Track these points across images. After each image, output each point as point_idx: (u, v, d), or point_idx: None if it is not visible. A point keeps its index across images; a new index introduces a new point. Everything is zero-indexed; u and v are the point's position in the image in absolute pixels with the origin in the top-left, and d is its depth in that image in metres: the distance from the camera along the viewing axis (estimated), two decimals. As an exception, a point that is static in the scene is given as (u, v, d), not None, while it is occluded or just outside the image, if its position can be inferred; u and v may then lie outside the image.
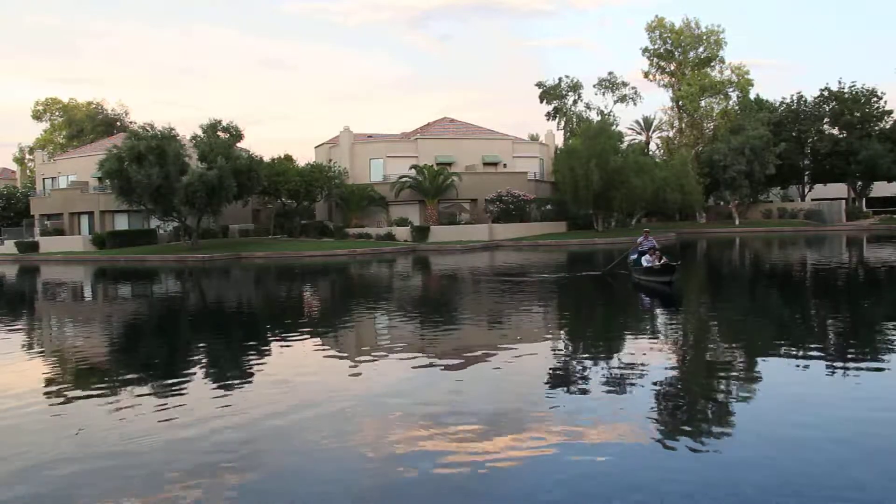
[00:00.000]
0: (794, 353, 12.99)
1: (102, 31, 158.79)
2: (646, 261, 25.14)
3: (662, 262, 23.97)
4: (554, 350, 14.28)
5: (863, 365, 11.69)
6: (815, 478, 6.84)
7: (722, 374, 11.41)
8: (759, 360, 12.43)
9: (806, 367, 11.62)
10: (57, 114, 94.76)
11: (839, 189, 77.54)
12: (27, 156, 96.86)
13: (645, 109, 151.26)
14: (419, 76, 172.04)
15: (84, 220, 62.74)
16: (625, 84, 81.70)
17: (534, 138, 78.54)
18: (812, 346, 13.70)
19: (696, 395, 10.35)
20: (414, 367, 12.35)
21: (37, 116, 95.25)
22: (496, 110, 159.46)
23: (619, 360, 12.71)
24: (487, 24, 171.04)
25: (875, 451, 7.50)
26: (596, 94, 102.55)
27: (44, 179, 70.69)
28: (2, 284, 38.47)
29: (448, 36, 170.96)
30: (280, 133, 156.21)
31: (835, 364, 11.76)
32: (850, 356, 12.44)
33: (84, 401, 10.61)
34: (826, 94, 73.32)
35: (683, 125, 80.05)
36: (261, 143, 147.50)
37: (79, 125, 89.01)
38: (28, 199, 70.65)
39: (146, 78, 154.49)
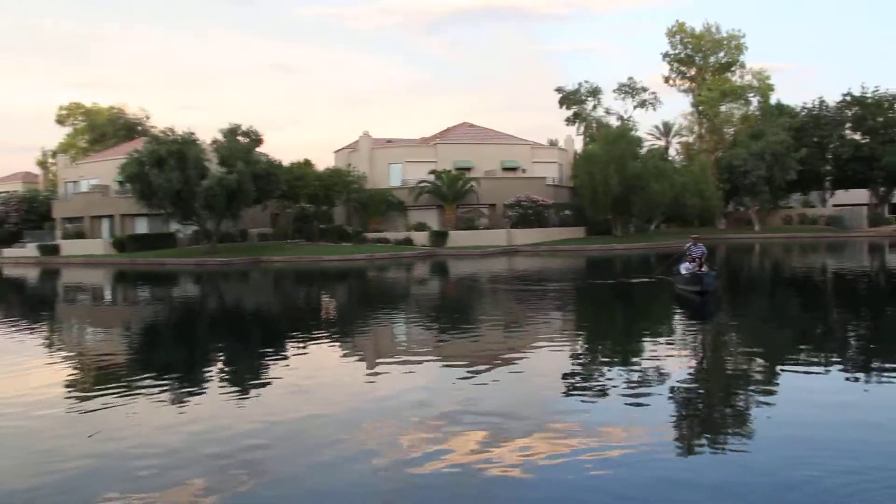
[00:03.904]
0: (817, 360, 12.85)
1: (122, 35, 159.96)
2: (684, 268, 23.51)
3: (692, 271, 22.63)
4: (572, 355, 14.21)
5: (887, 372, 11.56)
6: (835, 487, 6.74)
7: (742, 382, 11.32)
8: (782, 368, 12.29)
9: (828, 373, 11.51)
10: (79, 118, 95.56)
11: (861, 195, 76.74)
12: (50, 160, 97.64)
13: (665, 114, 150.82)
14: (436, 81, 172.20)
15: (105, 224, 63.19)
16: (644, 89, 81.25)
17: (553, 143, 78.34)
18: (835, 353, 13.56)
19: (714, 402, 10.26)
20: (431, 372, 12.35)
21: (60, 121, 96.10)
22: (514, 115, 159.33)
23: (637, 366, 12.61)
24: (502, 29, 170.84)
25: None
26: (615, 99, 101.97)
27: (66, 183, 71.30)
28: (24, 286, 38.83)
29: (463, 40, 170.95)
30: (298, 137, 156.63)
31: (860, 371, 11.64)
32: (874, 363, 12.30)
33: (102, 403, 10.64)
34: (848, 98, 72.59)
35: (703, 130, 79.58)
36: (280, 147, 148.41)
37: (101, 130, 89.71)
38: (50, 202, 71.31)
39: (166, 82, 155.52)
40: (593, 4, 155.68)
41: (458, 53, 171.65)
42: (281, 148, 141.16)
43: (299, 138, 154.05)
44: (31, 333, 19.63)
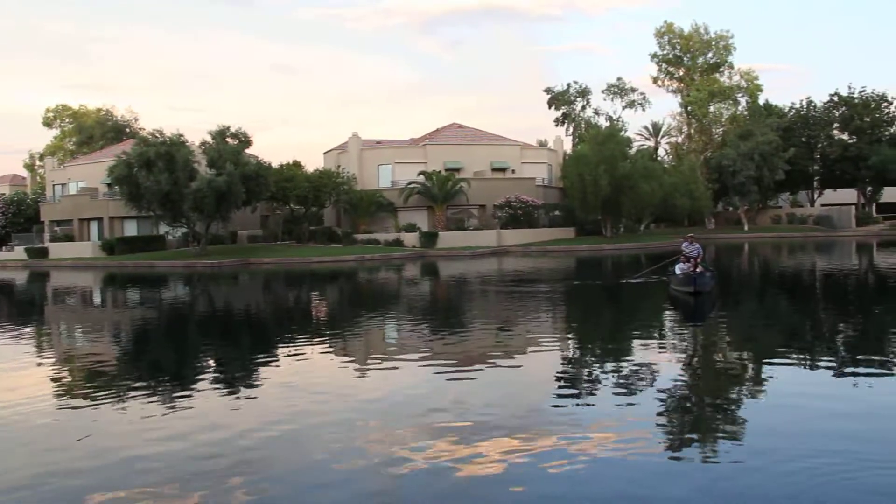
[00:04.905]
0: (806, 359, 12.90)
1: (112, 37, 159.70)
2: (679, 269, 23.12)
3: (685, 272, 22.24)
4: (562, 356, 14.23)
5: (876, 371, 11.60)
6: (826, 488, 6.77)
7: (732, 382, 11.36)
8: (771, 367, 12.35)
9: (817, 373, 11.56)
10: (67, 120, 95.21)
11: (849, 194, 77.23)
12: (37, 162, 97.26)
13: (654, 115, 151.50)
14: (429, 81, 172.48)
15: (93, 226, 62.96)
16: (633, 90, 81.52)
17: (542, 144, 78.47)
18: (824, 352, 13.61)
19: (705, 403, 10.29)
20: (422, 374, 12.33)
21: (47, 123, 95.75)
22: (505, 116, 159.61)
23: (625, 367, 12.63)
24: (497, 30, 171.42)
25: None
26: (604, 100, 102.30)
27: (54, 186, 71.00)
28: (12, 290, 38.60)
29: (458, 41, 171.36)
30: (289, 138, 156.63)
31: (851, 371, 11.69)
32: (863, 363, 12.35)
33: (91, 406, 10.59)
34: (836, 99, 73.05)
35: (692, 131, 79.87)
36: (270, 148, 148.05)
37: (88, 132, 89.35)
38: (38, 205, 70.95)
39: (156, 84, 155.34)
40: (588, 6, 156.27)
41: (456, 54, 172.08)
42: (275, 149, 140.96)
43: (295, 139, 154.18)
44: (19, 337, 19.52)
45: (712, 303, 21.20)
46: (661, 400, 10.10)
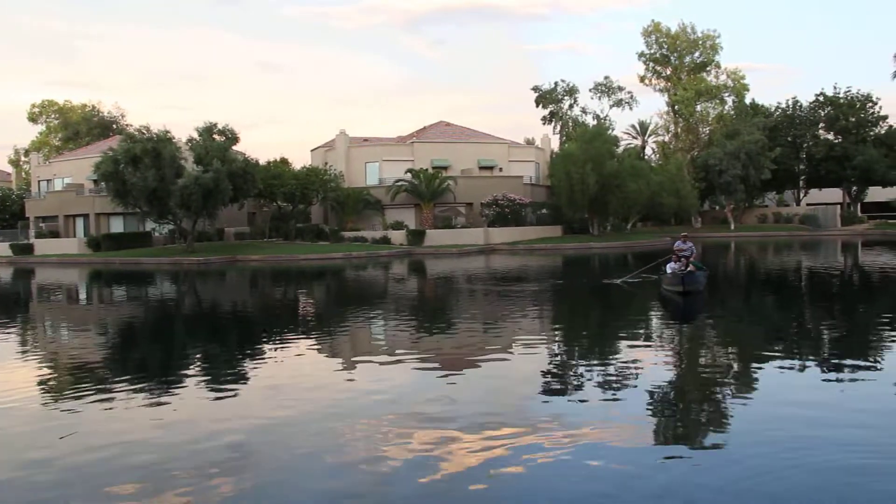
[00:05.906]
0: (793, 357, 12.99)
1: (100, 33, 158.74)
2: (669, 268, 22.94)
3: (674, 271, 22.16)
4: (549, 355, 14.27)
5: (861, 368, 11.69)
6: (814, 485, 6.83)
7: (718, 379, 11.42)
8: (756, 365, 12.43)
9: (801, 369, 11.64)
10: (53, 116, 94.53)
11: (834, 194, 77.68)
12: (22, 158, 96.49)
13: (641, 114, 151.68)
14: (415, 80, 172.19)
15: (79, 223, 62.56)
16: (620, 88, 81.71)
17: (529, 142, 78.52)
18: (808, 350, 13.71)
19: (692, 400, 10.35)
20: (407, 371, 12.34)
21: (33, 119, 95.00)
22: (492, 114, 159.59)
23: (612, 366, 12.68)
24: (483, 28, 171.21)
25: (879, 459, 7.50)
26: (592, 99, 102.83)
27: (39, 182, 70.50)
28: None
29: (443, 40, 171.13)
30: (276, 136, 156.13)
31: (835, 368, 11.78)
32: (849, 360, 12.44)
33: (76, 404, 10.53)
34: (821, 99, 73.48)
35: (679, 130, 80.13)
36: (257, 146, 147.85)
37: (74, 128, 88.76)
38: (23, 201, 70.43)
39: (143, 81, 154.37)
40: (574, 5, 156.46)
41: (442, 52, 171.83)
42: (262, 146, 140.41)
43: (281, 137, 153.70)
44: (2, 333, 19.40)
45: (702, 302, 21.16)
46: (646, 396, 10.15)
